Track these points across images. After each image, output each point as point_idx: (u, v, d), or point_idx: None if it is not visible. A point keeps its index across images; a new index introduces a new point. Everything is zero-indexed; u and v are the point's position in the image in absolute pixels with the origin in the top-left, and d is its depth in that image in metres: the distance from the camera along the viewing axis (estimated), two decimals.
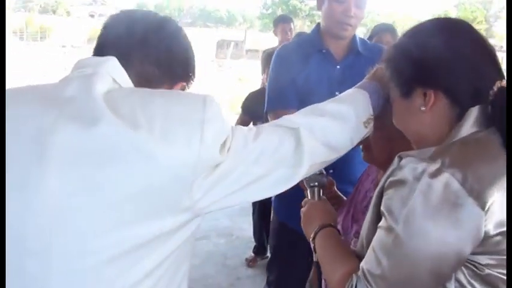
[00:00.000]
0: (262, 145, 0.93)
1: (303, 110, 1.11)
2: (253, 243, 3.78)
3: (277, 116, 1.94)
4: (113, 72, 0.90)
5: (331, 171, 1.85)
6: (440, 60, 0.94)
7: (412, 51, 0.97)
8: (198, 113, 0.84)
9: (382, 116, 1.18)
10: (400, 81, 1.00)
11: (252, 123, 3.60)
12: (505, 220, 0.82)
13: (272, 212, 2.33)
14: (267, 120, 2.11)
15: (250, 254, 3.74)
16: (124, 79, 0.91)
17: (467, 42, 0.95)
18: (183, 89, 1.02)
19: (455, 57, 0.93)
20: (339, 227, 1.42)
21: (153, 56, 0.95)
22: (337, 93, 1.89)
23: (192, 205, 0.85)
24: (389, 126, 1.11)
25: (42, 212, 0.80)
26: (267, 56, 3.37)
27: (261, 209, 3.59)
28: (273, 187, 0.95)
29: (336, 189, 1.56)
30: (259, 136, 0.94)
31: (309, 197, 1.30)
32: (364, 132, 1.13)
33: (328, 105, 1.11)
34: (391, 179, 0.89)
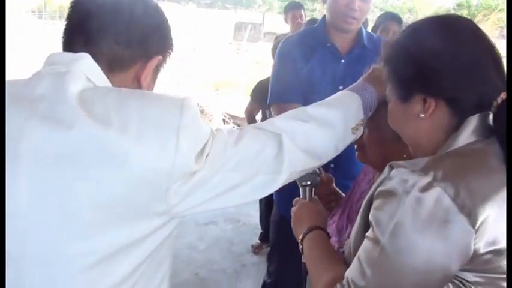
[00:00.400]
0: (242, 151, 0.91)
1: (289, 113, 1.08)
2: (259, 230, 3.79)
3: (279, 110, 1.95)
4: (87, 70, 0.87)
5: (332, 165, 1.84)
6: (445, 68, 0.88)
7: (413, 53, 0.92)
8: (175, 119, 0.82)
9: (377, 116, 1.16)
10: (399, 84, 0.96)
11: (261, 111, 3.61)
12: (497, 239, 0.79)
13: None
14: (270, 112, 2.10)
15: (256, 240, 3.75)
16: (99, 77, 0.88)
17: (475, 49, 0.90)
18: (160, 63, 0.98)
19: (462, 66, 0.88)
20: (334, 226, 1.41)
21: (121, 36, 0.90)
22: (340, 87, 1.87)
23: (168, 210, 0.85)
24: (384, 127, 1.07)
25: (17, 214, 0.80)
26: (278, 44, 3.33)
27: (268, 197, 3.58)
28: (251, 193, 0.94)
29: (334, 186, 1.54)
30: (241, 141, 0.92)
31: (301, 196, 1.29)
32: (351, 138, 1.10)
33: (315, 109, 1.08)
34: (380, 188, 0.87)
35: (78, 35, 0.90)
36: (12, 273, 0.82)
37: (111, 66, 0.91)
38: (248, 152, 0.92)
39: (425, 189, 0.80)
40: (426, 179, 0.80)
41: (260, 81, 3.59)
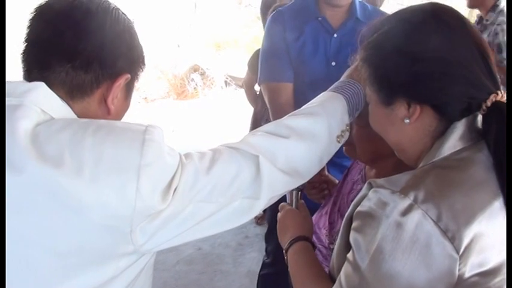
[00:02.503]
0: (215, 178, 0.83)
1: (267, 128, 0.97)
2: None
3: (270, 89, 1.85)
4: (41, 102, 0.78)
5: None
6: (431, 72, 0.80)
7: (395, 55, 0.83)
8: (135, 158, 0.74)
9: (365, 113, 1.07)
10: (380, 87, 0.87)
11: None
12: (484, 260, 0.74)
13: None
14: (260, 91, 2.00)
15: None
16: (56, 108, 0.80)
17: (465, 49, 0.81)
18: (128, 80, 0.88)
19: (450, 70, 0.80)
20: (326, 217, 1.34)
21: (78, 60, 0.81)
22: (333, 63, 1.77)
23: (136, 249, 0.78)
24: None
25: None
26: (263, 8, 3.18)
27: None
28: (229, 221, 0.87)
29: (326, 172, 1.47)
30: (213, 167, 0.83)
31: (287, 201, 1.21)
32: (337, 147, 1.02)
33: (296, 121, 0.98)
34: (359, 209, 0.81)
35: (34, 59, 0.82)
36: None
37: (71, 93, 0.82)
38: (222, 178, 0.84)
39: (405, 212, 0.73)
40: (406, 201, 0.74)
41: (257, 50, 3.43)
